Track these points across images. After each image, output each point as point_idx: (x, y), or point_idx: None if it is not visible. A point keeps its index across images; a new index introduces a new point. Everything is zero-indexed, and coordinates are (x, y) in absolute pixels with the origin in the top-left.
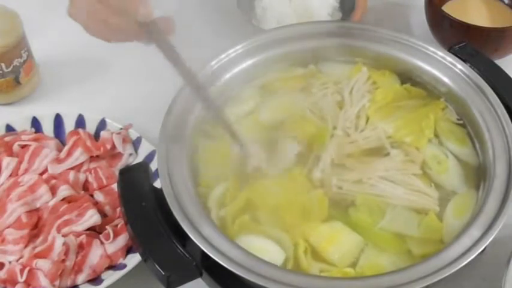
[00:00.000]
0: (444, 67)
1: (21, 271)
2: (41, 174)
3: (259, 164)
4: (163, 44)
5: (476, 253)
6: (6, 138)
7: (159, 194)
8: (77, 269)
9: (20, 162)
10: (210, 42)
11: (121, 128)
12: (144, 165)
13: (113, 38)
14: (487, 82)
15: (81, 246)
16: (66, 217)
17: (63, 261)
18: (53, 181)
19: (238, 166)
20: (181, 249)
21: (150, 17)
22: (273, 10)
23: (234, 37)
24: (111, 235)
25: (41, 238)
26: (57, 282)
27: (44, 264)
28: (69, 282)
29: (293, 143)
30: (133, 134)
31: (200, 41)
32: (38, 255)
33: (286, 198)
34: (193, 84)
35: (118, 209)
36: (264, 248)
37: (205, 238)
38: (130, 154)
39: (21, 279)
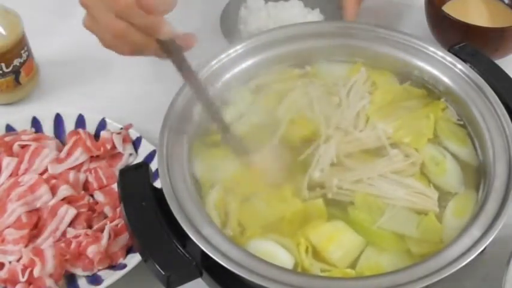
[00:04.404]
0: (444, 67)
1: (23, 271)
2: (41, 174)
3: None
4: (179, 60)
5: (476, 253)
6: (6, 138)
7: (159, 194)
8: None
9: (20, 162)
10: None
11: (121, 128)
12: (144, 165)
13: (128, 52)
14: (487, 82)
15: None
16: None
17: (66, 260)
18: (53, 181)
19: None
20: (181, 249)
21: (171, 35)
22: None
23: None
24: (111, 235)
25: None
26: (61, 282)
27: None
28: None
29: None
30: (134, 134)
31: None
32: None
33: (278, 213)
34: (205, 101)
35: (118, 209)
36: (273, 254)
37: (205, 238)
38: (131, 154)
39: (22, 279)
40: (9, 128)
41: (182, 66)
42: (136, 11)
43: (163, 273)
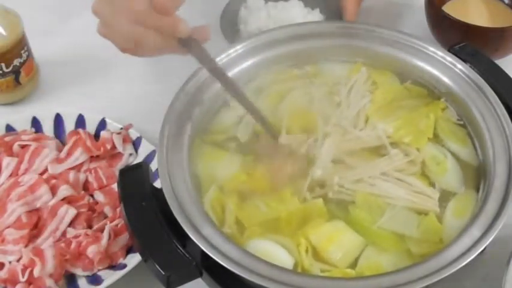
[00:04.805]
0: (444, 67)
1: (23, 271)
2: (41, 174)
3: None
4: (199, 53)
5: (476, 253)
6: (6, 138)
7: (159, 194)
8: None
9: (20, 162)
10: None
11: (121, 128)
12: (144, 165)
13: (148, 54)
14: (487, 82)
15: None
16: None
17: (66, 260)
18: (53, 181)
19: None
20: (181, 249)
21: (188, 31)
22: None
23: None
24: (111, 235)
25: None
26: (61, 282)
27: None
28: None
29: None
30: (134, 134)
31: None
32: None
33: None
34: (227, 86)
35: (118, 209)
36: (272, 254)
37: (205, 238)
38: (131, 154)
39: (22, 279)
40: (9, 128)
41: (204, 58)
42: (152, 14)
43: (163, 273)
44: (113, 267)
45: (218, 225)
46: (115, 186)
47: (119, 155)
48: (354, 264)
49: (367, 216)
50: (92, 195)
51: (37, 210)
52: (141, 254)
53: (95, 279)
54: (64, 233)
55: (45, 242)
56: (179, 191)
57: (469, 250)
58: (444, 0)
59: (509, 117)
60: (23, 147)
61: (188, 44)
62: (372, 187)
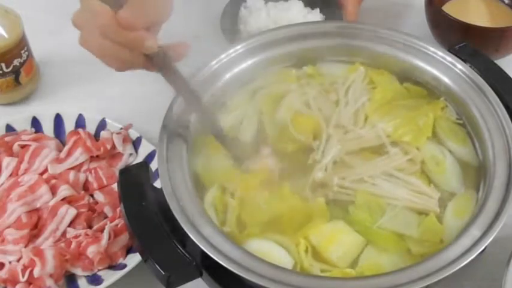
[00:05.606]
0: (444, 67)
1: (23, 271)
2: (41, 174)
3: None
4: (169, 72)
5: (476, 253)
6: (6, 138)
7: (159, 194)
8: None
9: (20, 162)
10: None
11: (121, 128)
12: (144, 165)
13: (118, 67)
14: (487, 82)
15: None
16: None
17: (66, 260)
18: (53, 181)
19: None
20: (181, 249)
21: (155, 48)
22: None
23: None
24: (111, 235)
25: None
26: (61, 282)
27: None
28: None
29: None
30: (133, 134)
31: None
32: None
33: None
34: (200, 112)
35: (118, 209)
36: (271, 254)
37: (205, 238)
38: (131, 154)
39: (22, 279)
40: (9, 128)
41: (172, 78)
42: (117, 28)
43: (163, 273)
44: (113, 267)
45: (218, 224)
46: (115, 186)
47: (119, 155)
48: (354, 264)
49: (367, 216)
50: (92, 195)
51: (37, 210)
52: (141, 254)
53: (95, 279)
54: (64, 233)
55: (45, 242)
56: (179, 191)
57: (469, 250)
58: (444, 0)
59: (509, 117)
60: (23, 147)
61: (157, 61)
62: (372, 187)
